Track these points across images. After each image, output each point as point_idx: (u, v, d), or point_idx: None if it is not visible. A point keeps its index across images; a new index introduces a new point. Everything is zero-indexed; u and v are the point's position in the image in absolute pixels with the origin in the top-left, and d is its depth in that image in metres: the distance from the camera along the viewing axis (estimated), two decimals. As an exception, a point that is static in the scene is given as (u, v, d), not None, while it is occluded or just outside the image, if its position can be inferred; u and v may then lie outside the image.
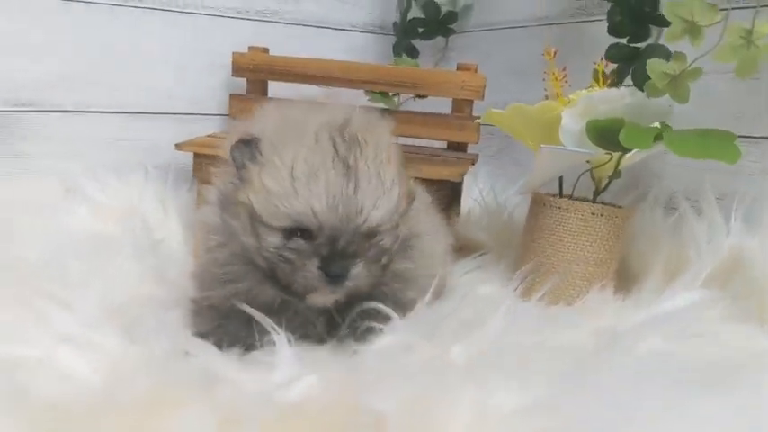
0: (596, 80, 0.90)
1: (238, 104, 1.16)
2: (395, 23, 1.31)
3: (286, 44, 1.28)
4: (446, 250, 0.85)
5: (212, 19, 1.24)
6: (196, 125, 1.23)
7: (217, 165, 0.73)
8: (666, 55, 0.92)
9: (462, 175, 0.99)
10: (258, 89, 1.18)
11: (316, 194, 0.61)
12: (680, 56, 0.78)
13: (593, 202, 0.91)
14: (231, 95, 1.17)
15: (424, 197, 0.82)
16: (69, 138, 1.12)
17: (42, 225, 0.99)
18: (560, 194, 0.93)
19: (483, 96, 1.08)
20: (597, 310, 0.82)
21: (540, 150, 0.84)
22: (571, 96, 0.92)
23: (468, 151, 1.14)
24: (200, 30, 1.22)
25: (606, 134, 0.83)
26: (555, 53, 0.92)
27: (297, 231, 0.63)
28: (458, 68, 1.12)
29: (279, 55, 1.16)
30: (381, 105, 1.12)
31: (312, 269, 0.62)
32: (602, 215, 0.88)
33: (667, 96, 0.83)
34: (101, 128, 1.15)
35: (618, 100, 0.85)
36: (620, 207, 0.90)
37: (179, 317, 0.70)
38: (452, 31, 1.27)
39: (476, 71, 1.11)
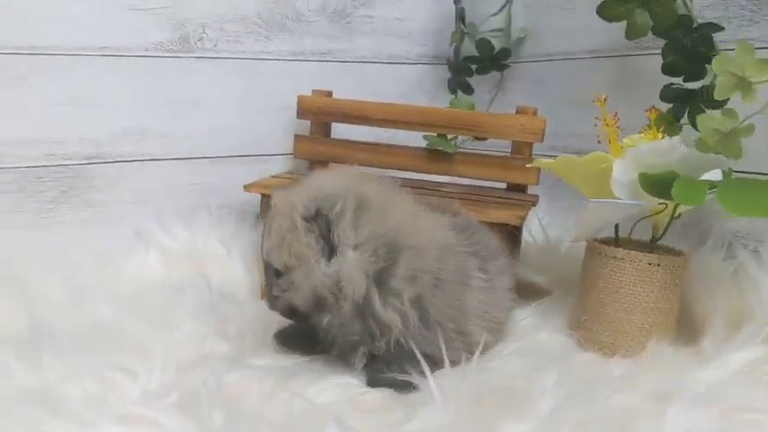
0: (652, 126, 0.88)
1: (302, 145, 1.20)
2: (448, 60, 1.32)
3: (342, 81, 1.31)
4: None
5: (273, 63, 1.27)
6: (261, 165, 1.27)
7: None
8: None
9: (523, 219, 0.99)
10: (321, 130, 1.21)
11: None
12: (731, 112, 0.76)
13: (651, 249, 0.90)
14: (296, 136, 1.20)
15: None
16: (140, 186, 1.18)
17: (114, 275, 1.06)
18: (616, 241, 0.92)
19: (542, 139, 1.08)
20: (654, 367, 0.81)
21: (588, 204, 0.83)
22: (625, 141, 0.91)
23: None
24: (260, 74, 1.26)
25: (659, 185, 0.82)
26: (605, 99, 0.91)
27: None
28: (517, 111, 1.12)
29: (340, 98, 1.19)
30: (439, 147, 1.13)
31: None
32: (659, 265, 0.86)
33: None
34: (170, 175, 1.20)
35: (668, 152, 0.83)
36: (678, 255, 0.89)
37: (237, 380, 0.73)
38: (506, 66, 1.26)
39: (535, 113, 1.10)
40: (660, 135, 0.87)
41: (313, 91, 1.22)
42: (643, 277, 0.86)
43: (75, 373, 0.70)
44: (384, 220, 0.77)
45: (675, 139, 0.84)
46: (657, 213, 0.88)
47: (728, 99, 0.89)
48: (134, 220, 1.16)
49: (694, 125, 0.90)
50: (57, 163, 1.11)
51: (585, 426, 0.62)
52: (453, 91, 1.30)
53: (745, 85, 0.73)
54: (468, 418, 0.65)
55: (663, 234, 0.89)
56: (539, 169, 1.10)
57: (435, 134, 1.14)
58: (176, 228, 1.17)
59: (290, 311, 0.82)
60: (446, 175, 1.16)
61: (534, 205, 1.08)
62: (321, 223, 0.76)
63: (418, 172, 1.17)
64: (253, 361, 0.83)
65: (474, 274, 0.81)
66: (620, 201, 0.83)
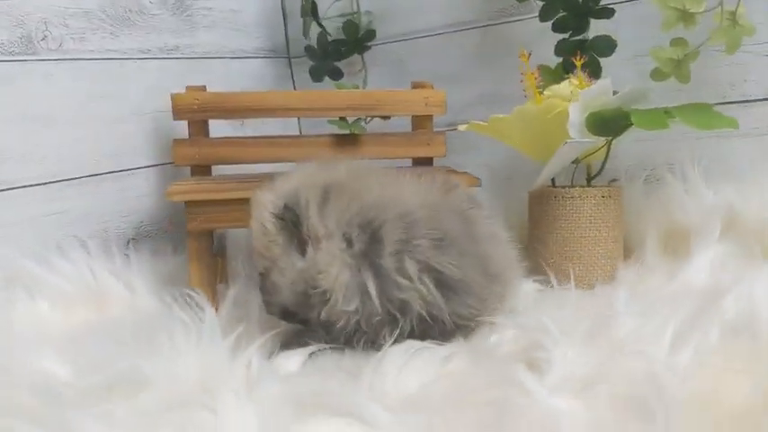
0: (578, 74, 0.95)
1: (184, 150, 1.05)
2: (308, 47, 1.27)
3: (191, 78, 1.18)
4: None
5: (122, 63, 1.10)
6: (130, 181, 1.09)
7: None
8: (612, 45, 1.02)
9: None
10: (201, 131, 1.07)
11: None
12: (681, 41, 0.87)
13: (589, 186, 0.98)
14: (175, 141, 1.05)
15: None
16: None
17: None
18: (558, 186, 0.98)
19: (445, 110, 1.10)
20: (643, 283, 0.88)
21: (565, 145, 0.88)
22: (546, 92, 0.97)
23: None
24: (113, 76, 1.08)
25: (607, 123, 0.90)
26: (529, 55, 0.97)
27: None
28: (413, 86, 1.12)
29: (223, 91, 1.07)
30: (349, 131, 1.08)
31: None
32: (610, 197, 0.95)
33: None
34: (24, 204, 0.97)
35: (608, 92, 0.92)
36: (617, 187, 0.98)
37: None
38: (368, 48, 1.26)
39: (432, 87, 1.12)
40: (588, 82, 0.95)
41: (187, 87, 1.08)
42: (600, 210, 0.94)
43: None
44: (354, 201, 0.73)
45: (608, 80, 0.93)
46: (593, 153, 0.96)
47: (614, 46, 1.02)
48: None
49: (594, 75, 1.01)
50: None
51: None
52: (318, 79, 1.26)
53: (687, 17, 0.83)
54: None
55: (600, 171, 0.98)
56: (445, 140, 1.12)
57: (337, 119, 1.10)
58: (55, 265, 0.95)
59: (282, 313, 0.78)
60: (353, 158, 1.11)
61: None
62: (289, 219, 0.74)
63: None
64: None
65: (480, 221, 0.79)
66: (585, 140, 0.90)
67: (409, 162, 1.14)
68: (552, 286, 0.91)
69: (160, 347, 0.68)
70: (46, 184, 0.99)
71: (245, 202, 0.91)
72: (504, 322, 0.74)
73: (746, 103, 0.99)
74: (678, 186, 0.99)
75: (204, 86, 1.10)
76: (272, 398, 0.57)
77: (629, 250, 1.00)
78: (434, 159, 1.13)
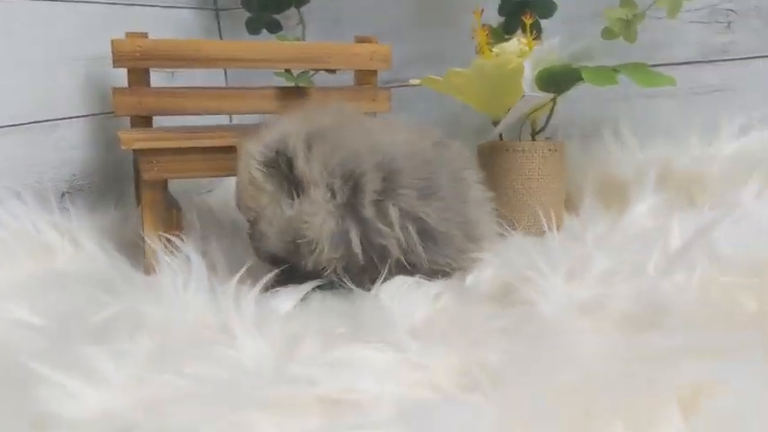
0: (527, 33, 1.00)
1: (124, 99, 0.99)
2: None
3: (115, 24, 1.12)
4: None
5: (49, 5, 1.02)
6: (60, 132, 1.02)
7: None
8: (553, 7, 1.08)
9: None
10: (142, 80, 1.02)
11: None
12: (630, 2, 0.93)
13: (537, 141, 1.03)
14: (114, 89, 0.99)
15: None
16: None
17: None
18: (509, 140, 1.02)
19: (390, 66, 1.11)
20: (588, 230, 0.94)
21: (523, 99, 0.92)
22: (494, 49, 1.01)
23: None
24: (35, 19, 1.00)
25: (556, 79, 0.95)
26: (482, 11, 1.00)
27: None
28: (357, 41, 1.12)
29: (166, 38, 1.02)
30: (296, 84, 1.06)
31: None
32: (557, 150, 1.00)
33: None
34: None
35: (558, 50, 0.97)
36: (562, 142, 1.03)
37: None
38: (308, 2, 1.24)
39: (376, 42, 1.12)
40: (534, 41, 0.99)
41: (127, 34, 1.02)
42: (546, 163, 0.99)
43: None
44: (336, 151, 0.74)
45: (557, 39, 0.97)
46: (540, 109, 1.01)
47: (554, 8, 1.07)
48: None
49: (537, 34, 1.06)
50: None
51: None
52: (255, 31, 1.22)
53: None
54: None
55: (545, 126, 1.03)
56: (390, 96, 1.13)
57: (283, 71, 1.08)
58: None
59: (272, 259, 0.79)
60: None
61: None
62: (283, 163, 0.74)
63: (270, 113, 1.09)
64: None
65: (468, 176, 0.82)
66: (540, 94, 0.94)
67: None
68: (506, 234, 0.96)
69: (142, 293, 0.66)
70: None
71: (201, 151, 0.90)
72: (482, 265, 0.77)
73: (672, 66, 1.08)
74: (612, 143, 1.06)
75: (146, 33, 1.04)
76: (290, 331, 0.57)
77: (569, 203, 1.06)
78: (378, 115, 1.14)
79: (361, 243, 0.73)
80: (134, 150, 0.89)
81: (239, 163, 0.77)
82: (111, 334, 0.55)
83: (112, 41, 0.98)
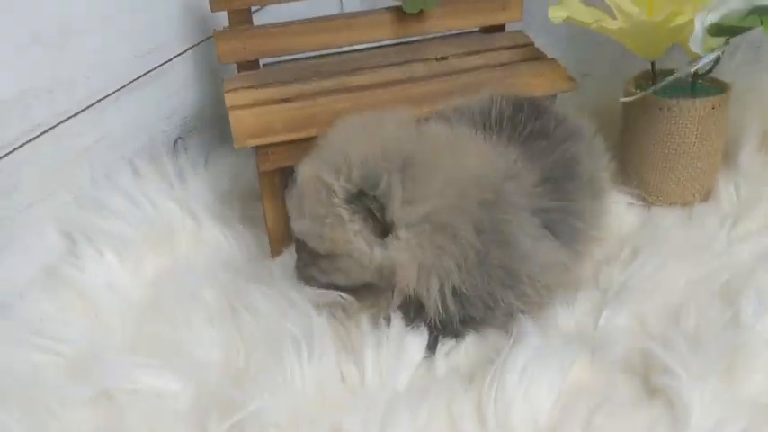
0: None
1: (228, 44, 0.90)
2: None
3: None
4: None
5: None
6: (165, 79, 0.95)
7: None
8: None
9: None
10: (244, 18, 0.91)
11: None
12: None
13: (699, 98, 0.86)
14: (216, 33, 0.89)
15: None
16: (32, 176, 0.80)
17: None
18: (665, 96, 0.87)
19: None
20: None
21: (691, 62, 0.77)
22: None
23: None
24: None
25: (731, 29, 0.77)
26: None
27: None
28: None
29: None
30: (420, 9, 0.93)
31: None
32: (720, 106, 0.85)
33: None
34: (73, 137, 0.84)
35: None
36: (725, 89, 0.87)
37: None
38: None
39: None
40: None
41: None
42: (707, 124, 0.85)
43: None
44: (436, 193, 0.64)
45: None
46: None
47: None
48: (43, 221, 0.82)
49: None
50: None
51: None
52: None
53: None
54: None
55: (710, 70, 0.86)
56: (522, 2, 0.97)
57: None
58: (111, 206, 0.87)
59: (331, 288, 0.72)
60: (421, 35, 0.97)
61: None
62: (367, 204, 0.63)
63: (387, 40, 0.96)
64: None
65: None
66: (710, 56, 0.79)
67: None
68: (645, 205, 0.88)
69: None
70: (87, 108, 0.85)
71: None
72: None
73: None
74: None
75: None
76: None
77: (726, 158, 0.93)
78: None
79: (457, 296, 0.67)
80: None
81: (306, 188, 0.66)
82: None
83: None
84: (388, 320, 0.69)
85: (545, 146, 0.71)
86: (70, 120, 0.82)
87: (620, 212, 0.88)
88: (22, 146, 0.77)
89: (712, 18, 0.76)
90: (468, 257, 0.65)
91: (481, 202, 0.65)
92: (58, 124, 0.81)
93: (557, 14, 0.85)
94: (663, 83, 0.82)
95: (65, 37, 0.80)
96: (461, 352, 0.69)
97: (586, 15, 0.85)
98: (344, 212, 0.64)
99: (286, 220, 0.85)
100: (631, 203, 0.89)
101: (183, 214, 0.90)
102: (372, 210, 0.63)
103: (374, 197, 0.63)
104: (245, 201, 0.94)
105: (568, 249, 0.71)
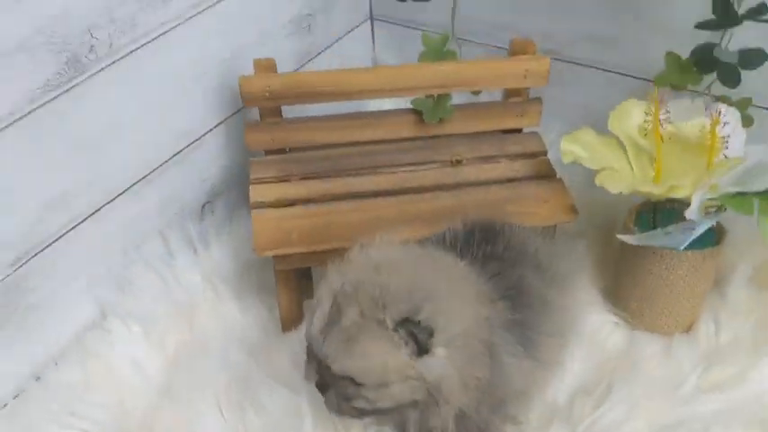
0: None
1: (256, 135, 0.96)
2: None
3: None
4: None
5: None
6: (192, 155, 1.02)
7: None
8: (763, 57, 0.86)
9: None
10: (274, 112, 0.97)
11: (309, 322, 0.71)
12: None
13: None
14: (247, 124, 0.96)
15: None
16: (77, 259, 0.90)
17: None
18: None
19: (547, 82, 0.97)
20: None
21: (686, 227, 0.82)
22: (669, 129, 0.85)
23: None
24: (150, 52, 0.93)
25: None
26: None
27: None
28: (512, 45, 0.97)
29: (294, 72, 0.94)
30: (439, 118, 0.98)
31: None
32: (711, 257, 0.90)
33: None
34: (103, 226, 0.93)
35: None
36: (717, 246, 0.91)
37: None
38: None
39: (534, 52, 0.96)
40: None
41: (255, 63, 0.94)
42: (697, 269, 0.90)
43: None
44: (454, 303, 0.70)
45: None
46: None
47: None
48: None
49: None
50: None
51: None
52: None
53: None
54: None
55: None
56: (541, 109, 1.01)
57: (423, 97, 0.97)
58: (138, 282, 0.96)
59: (370, 414, 0.75)
60: (436, 137, 1.01)
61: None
62: (410, 329, 0.67)
63: (406, 140, 1.01)
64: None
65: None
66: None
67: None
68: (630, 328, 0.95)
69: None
70: (124, 192, 0.94)
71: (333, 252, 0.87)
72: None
73: None
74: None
75: (272, 61, 0.95)
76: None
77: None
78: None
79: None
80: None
81: (351, 327, 0.68)
82: None
83: (240, 81, 0.92)
84: None
85: (497, 266, 0.77)
86: (106, 206, 0.91)
87: (606, 331, 0.95)
88: (62, 236, 0.86)
89: (709, 196, 0.80)
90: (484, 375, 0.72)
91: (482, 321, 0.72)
92: (94, 212, 0.90)
93: (568, 149, 0.89)
94: (658, 242, 0.86)
95: (108, 139, 0.88)
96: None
97: (595, 155, 0.88)
98: (391, 339, 0.68)
99: (299, 303, 0.94)
100: (617, 323, 0.96)
101: (205, 286, 0.98)
102: (416, 334, 0.68)
103: (419, 324, 0.67)
104: (263, 267, 1.00)
105: (532, 360, 0.77)
